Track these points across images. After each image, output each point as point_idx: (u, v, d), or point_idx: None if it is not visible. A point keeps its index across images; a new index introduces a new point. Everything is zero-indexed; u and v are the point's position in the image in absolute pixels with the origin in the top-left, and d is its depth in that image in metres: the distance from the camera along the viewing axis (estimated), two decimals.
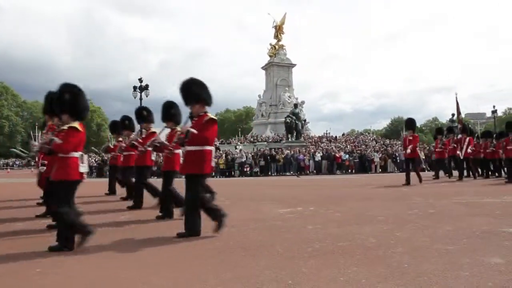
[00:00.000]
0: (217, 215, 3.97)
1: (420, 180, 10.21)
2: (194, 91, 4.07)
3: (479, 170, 13.09)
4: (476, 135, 14.78)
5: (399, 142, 24.54)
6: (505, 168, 11.44)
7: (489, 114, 58.05)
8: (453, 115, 39.95)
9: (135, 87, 26.48)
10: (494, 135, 13.23)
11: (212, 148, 4.12)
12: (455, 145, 12.31)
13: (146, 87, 26.51)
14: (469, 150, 12.10)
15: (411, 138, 10.42)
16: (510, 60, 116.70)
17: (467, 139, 12.23)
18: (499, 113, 53.40)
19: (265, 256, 3.13)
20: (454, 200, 6.68)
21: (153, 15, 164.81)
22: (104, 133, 70.75)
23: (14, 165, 46.82)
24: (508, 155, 10.49)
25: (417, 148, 11.08)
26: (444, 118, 60.89)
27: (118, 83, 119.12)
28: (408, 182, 10.02)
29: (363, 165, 21.25)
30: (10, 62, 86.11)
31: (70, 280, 2.62)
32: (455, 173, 12.44)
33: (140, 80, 26.50)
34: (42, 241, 3.92)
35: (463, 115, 19.73)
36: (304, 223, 4.69)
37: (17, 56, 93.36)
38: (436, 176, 12.64)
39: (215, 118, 4.09)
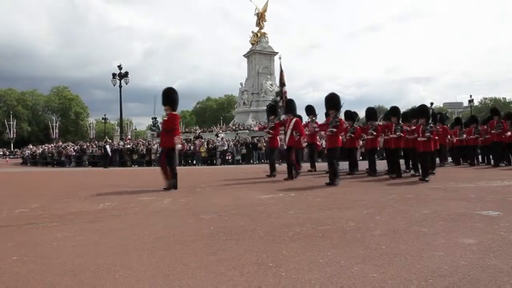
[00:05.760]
0: None
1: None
2: None
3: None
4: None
5: None
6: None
7: (466, 104, 59.75)
8: (431, 103, 40.96)
9: (114, 75, 25.93)
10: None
11: None
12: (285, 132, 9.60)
13: (126, 74, 26.00)
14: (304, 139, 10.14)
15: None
16: (486, 52, 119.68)
17: (293, 120, 9.47)
18: (475, 103, 55.13)
19: (246, 240, 3.15)
20: (430, 186, 6.87)
21: (136, 2, 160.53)
22: (82, 122, 69.06)
23: None
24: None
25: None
26: None
27: (100, 71, 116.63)
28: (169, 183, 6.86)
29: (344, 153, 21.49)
30: None
31: (48, 268, 2.57)
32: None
33: (120, 67, 25.95)
34: (18, 230, 3.85)
35: (441, 104, 20.07)
36: (285, 208, 4.73)
37: None
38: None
39: None
